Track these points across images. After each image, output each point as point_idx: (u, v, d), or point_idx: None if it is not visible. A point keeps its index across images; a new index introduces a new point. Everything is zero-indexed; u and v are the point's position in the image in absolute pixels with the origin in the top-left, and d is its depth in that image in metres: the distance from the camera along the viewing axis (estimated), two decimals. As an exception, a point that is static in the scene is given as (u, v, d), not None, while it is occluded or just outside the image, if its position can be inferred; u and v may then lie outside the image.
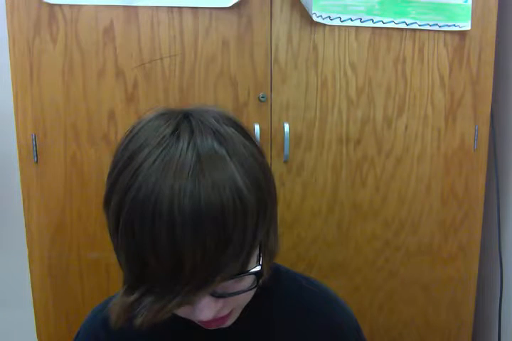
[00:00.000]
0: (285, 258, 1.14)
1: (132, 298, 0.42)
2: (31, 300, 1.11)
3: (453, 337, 1.30)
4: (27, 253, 1.09)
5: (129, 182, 0.41)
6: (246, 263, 0.44)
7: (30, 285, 1.11)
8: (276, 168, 1.12)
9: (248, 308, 0.53)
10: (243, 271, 0.44)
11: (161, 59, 1.05)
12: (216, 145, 0.43)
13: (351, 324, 0.63)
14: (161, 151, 0.41)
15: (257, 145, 0.48)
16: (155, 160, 0.41)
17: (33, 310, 1.11)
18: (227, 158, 0.42)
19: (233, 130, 0.46)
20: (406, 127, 1.17)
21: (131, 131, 0.46)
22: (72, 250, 1.09)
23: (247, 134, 0.48)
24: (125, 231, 0.41)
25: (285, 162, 1.13)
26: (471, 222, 1.25)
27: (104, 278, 1.11)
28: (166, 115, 0.46)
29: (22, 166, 1.06)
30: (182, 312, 0.47)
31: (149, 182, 0.40)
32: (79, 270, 1.11)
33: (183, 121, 0.45)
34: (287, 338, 0.60)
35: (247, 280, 0.46)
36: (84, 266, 1.11)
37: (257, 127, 1.10)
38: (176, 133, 0.43)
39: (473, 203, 1.24)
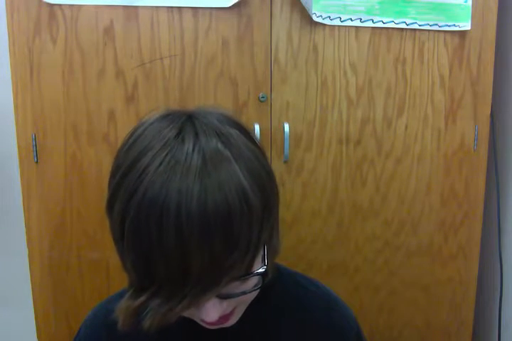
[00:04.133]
0: (285, 258, 1.13)
1: (138, 301, 0.41)
2: (31, 300, 1.11)
3: (453, 337, 1.30)
4: (27, 253, 1.09)
5: (134, 185, 0.41)
6: (252, 264, 0.44)
7: (30, 285, 1.11)
8: (276, 168, 1.12)
9: (248, 308, 0.53)
10: (249, 272, 0.44)
11: (161, 59, 1.05)
12: (220, 146, 0.42)
13: (351, 325, 0.63)
14: (166, 154, 0.41)
15: (259, 147, 0.48)
16: (160, 163, 0.40)
17: (33, 310, 1.11)
18: (232, 159, 0.42)
19: (237, 131, 0.46)
20: (406, 127, 1.17)
21: (133, 134, 0.46)
22: (72, 250, 1.09)
23: (249, 136, 0.48)
24: (131, 235, 0.40)
25: (285, 162, 1.13)
26: (471, 222, 1.25)
27: (104, 278, 1.11)
28: (169, 117, 0.46)
29: (22, 166, 1.06)
30: (186, 312, 0.47)
31: (155, 185, 0.40)
32: (79, 270, 1.11)
33: (186, 123, 0.45)
34: (287, 338, 0.60)
35: (252, 281, 0.46)
36: (84, 266, 1.11)
37: (257, 127, 1.09)
38: (180, 135, 0.43)
39: (473, 203, 1.24)
